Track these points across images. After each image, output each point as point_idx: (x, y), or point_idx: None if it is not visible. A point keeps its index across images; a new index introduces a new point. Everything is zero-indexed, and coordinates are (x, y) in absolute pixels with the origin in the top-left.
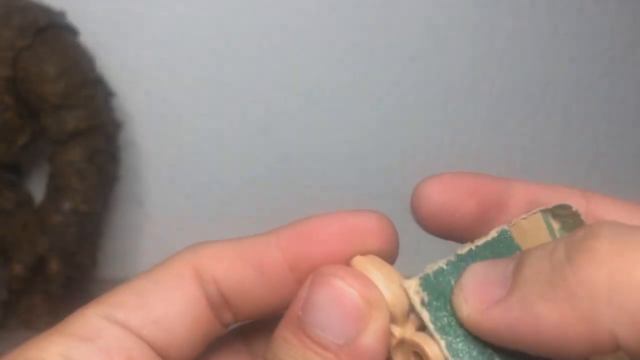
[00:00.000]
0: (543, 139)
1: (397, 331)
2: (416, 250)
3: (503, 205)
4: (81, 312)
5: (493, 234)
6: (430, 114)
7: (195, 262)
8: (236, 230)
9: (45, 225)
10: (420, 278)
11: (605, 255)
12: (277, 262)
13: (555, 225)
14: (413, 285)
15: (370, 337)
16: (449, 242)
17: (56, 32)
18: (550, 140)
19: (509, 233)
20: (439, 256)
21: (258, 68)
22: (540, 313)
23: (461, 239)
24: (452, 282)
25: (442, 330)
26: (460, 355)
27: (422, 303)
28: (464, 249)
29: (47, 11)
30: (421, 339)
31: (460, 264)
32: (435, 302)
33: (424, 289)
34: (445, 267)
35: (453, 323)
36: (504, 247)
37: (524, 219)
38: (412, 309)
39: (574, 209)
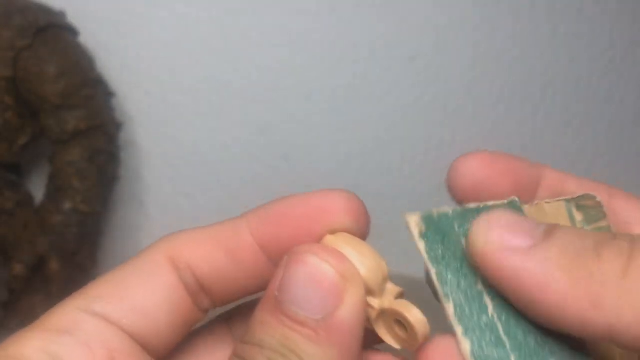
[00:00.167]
0: (543, 139)
1: (376, 303)
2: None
3: (533, 189)
4: (60, 306)
5: (503, 200)
6: (430, 114)
7: (169, 250)
8: None
9: (46, 225)
10: (423, 213)
11: (631, 257)
12: (248, 245)
13: (578, 217)
14: (415, 218)
15: (347, 311)
16: None
17: (56, 32)
18: (550, 140)
19: (518, 204)
20: None
21: (258, 68)
22: (554, 278)
23: None
24: (456, 226)
25: (434, 260)
26: (449, 284)
27: (421, 234)
28: (472, 205)
29: (47, 11)
30: (401, 306)
31: (466, 214)
32: (432, 236)
33: (424, 223)
34: (450, 212)
35: (447, 256)
36: None
37: (547, 202)
38: (387, 280)
39: (598, 199)
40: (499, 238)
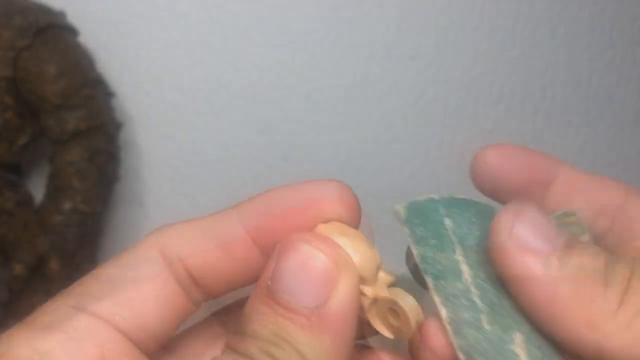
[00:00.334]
0: (543, 139)
1: (369, 291)
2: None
3: (547, 184)
4: (50, 303)
5: (485, 202)
6: (430, 114)
7: (160, 244)
8: None
9: (46, 225)
10: (410, 201)
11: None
12: (240, 237)
13: None
14: (399, 206)
15: (341, 299)
16: None
17: (56, 32)
18: (550, 140)
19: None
20: None
21: (258, 68)
22: (563, 293)
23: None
24: (440, 209)
25: (416, 241)
26: (429, 261)
27: (405, 219)
28: (460, 196)
29: (47, 11)
30: (394, 294)
31: (453, 201)
32: (414, 219)
33: (408, 209)
34: (437, 197)
35: (427, 236)
36: (489, 216)
37: None
38: (380, 268)
39: (578, 214)
40: (523, 235)
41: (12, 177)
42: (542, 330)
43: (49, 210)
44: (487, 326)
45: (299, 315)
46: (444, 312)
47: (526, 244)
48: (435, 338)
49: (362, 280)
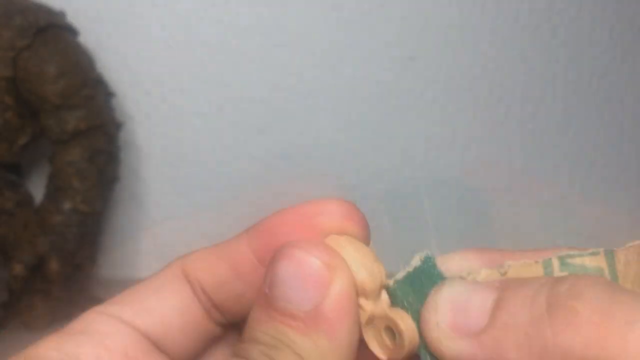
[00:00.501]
0: (543, 139)
1: (368, 305)
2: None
3: None
4: (80, 315)
5: (415, 262)
6: (430, 114)
7: (183, 265)
8: (236, 230)
9: (45, 225)
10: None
11: (585, 322)
12: (247, 258)
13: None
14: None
15: (334, 299)
16: (447, 242)
17: (56, 32)
18: (550, 140)
19: (432, 261)
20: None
21: (258, 68)
22: (512, 358)
23: None
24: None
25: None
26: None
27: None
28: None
29: (47, 11)
30: (393, 313)
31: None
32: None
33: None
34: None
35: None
36: (425, 277)
37: (522, 265)
38: (383, 287)
39: (599, 254)
40: (449, 323)
41: (12, 177)
42: None
43: (49, 210)
44: None
45: (295, 320)
46: None
47: (453, 329)
48: None
49: (363, 293)
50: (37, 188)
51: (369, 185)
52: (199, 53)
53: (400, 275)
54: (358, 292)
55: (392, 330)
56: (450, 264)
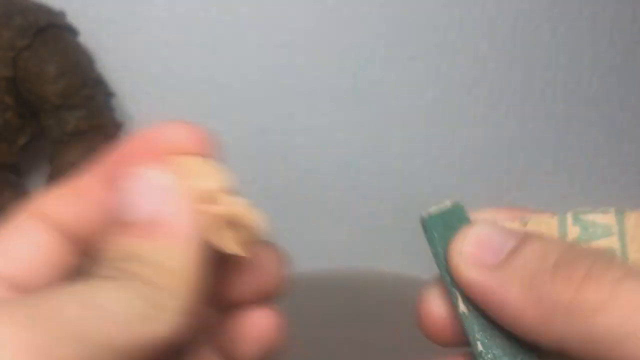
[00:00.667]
0: (543, 139)
1: (210, 209)
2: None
3: None
4: None
5: (447, 204)
6: (430, 114)
7: (38, 207)
8: None
9: None
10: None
11: (578, 281)
12: (92, 186)
13: (573, 233)
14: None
15: (170, 204)
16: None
17: (56, 32)
18: (550, 140)
19: (462, 207)
20: None
21: (258, 68)
22: (512, 297)
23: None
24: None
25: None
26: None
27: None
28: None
29: (47, 11)
30: (235, 209)
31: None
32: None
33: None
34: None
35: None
36: (455, 218)
37: (539, 219)
38: (227, 192)
39: (610, 213)
40: (468, 259)
41: (12, 177)
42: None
43: None
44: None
45: (138, 229)
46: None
47: (475, 260)
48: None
49: (203, 198)
50: (37, 188)
51: (369, 185)
52: (199, 53)
53: (434, 209)
54: (199, 198)
55: (236, 224)
56: (481, 217)
